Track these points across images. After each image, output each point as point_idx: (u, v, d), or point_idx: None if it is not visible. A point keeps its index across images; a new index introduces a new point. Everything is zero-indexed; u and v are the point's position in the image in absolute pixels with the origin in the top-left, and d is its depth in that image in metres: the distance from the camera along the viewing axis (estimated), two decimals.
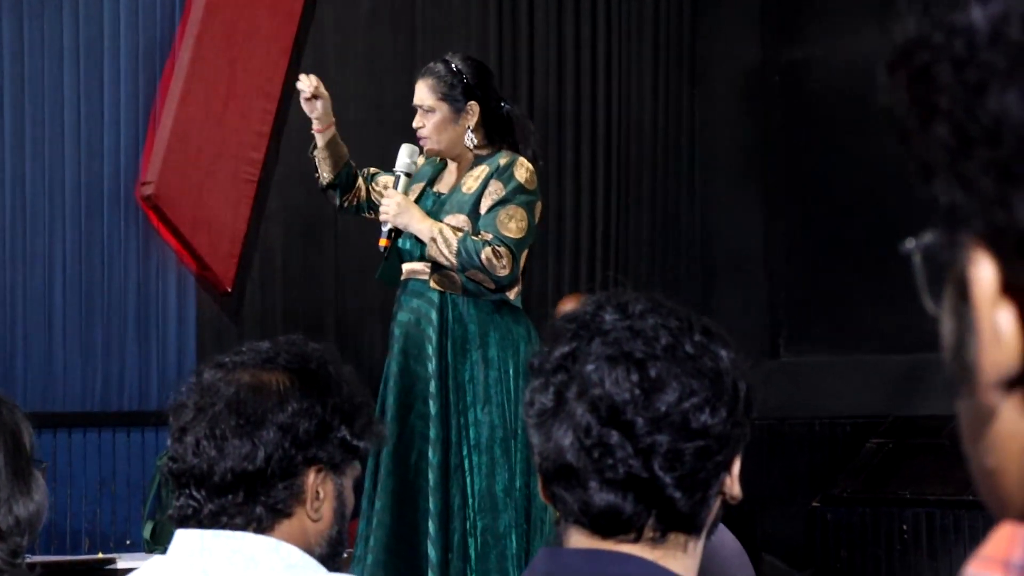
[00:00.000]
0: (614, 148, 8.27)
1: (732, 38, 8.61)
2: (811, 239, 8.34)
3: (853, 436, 7.72)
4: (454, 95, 5.22)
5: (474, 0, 7.85)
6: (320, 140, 5.38)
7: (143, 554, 6.40)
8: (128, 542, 6.67)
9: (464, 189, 5.22)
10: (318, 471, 2.24)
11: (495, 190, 5.15)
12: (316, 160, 5.43)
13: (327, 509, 2.26)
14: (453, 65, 5.27)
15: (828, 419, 7.95)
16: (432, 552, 5.03)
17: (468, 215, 5.17)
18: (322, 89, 5.33)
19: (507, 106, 5.36)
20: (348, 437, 2.25)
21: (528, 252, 5.31)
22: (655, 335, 1.80)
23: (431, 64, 5.38)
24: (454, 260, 5.10)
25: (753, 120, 8.59)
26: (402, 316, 5.24)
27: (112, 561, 5.95)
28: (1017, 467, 0.79)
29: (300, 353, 2.27)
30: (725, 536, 2.99)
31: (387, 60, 7.52)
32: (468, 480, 5.09)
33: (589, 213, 8.17)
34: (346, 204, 5.49)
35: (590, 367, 1.78)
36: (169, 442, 2.28)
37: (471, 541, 5.06)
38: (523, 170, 5.18)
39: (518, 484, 5.12)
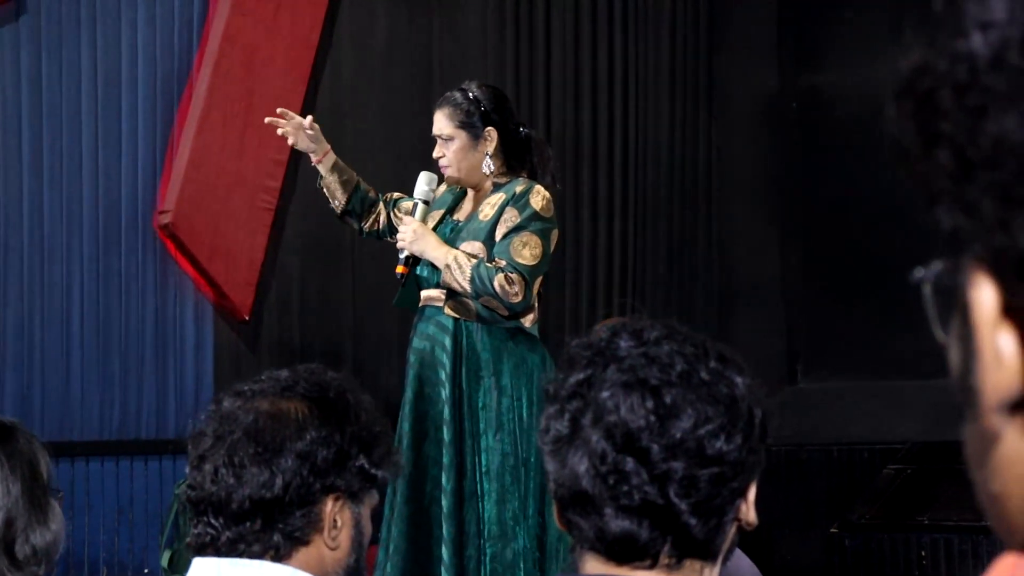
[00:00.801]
0: (631, 175, 8.28)
1: (749, 64, 8.61)
2: (828, 265, 8.33)
3: (871, 462, 7.70)
4: (472, 122, 5.25)
5: (490, 30, 7.87)
6: (322, 170, 5.43)
7: None
8: (146, 571, 6.67)
9: (481, 216, 5.24)
10: (336, 499, 2.24)
11: (510, 217, 5.17)
12: (325, 190, 5.47)
13: (345, 537, 2.25)
14: (470, 93, 5.31)
15: (846, 445, 7.93)
16: None
17: (484, 242, 5.19)
18: (298, 120, 5.38)
19: (525, 131, 5.38)
20: (366, 466, 2.25)
21: (544, 279, 5.31)
22: (670, 362, 1.80)
23: (448, 93, 5.41)
24: (468, 287, 5.12)
25: (770, 147, 8.59)
26: (417, 343, 5.27)
27: None
28: (1020, 491, 0.79)
29: (319, 382, 2.27)
30: (742, 562, 2.99)
31: (404, 89, 7.54)
32: (481, 507, 5.09)
33: (606, 239, 8.17)
34: (367, 229, 5.52)
35: (605, 394, 1.78)
36: (188, 470, 2.28)
37: (486, 567, 5.06)
38: (539, 198, 5.20)
39: (531, 512, 5.12)
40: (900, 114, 0.80)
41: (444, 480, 5.08)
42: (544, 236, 5.20)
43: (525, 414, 5.15)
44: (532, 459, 5.11)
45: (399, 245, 5.22)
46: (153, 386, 6.81)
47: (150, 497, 6.74)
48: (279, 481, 2.20)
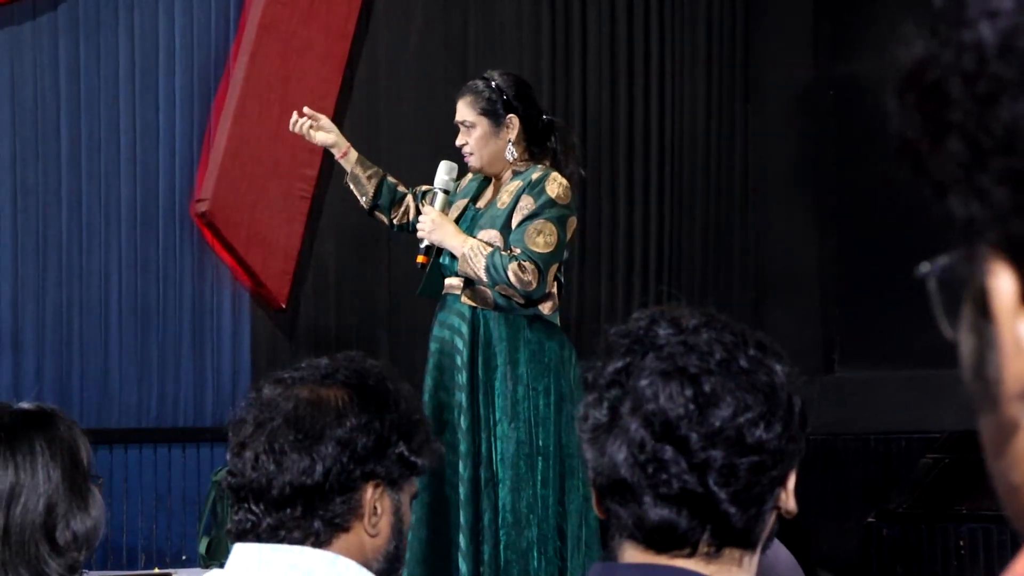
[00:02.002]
0: (667, 163, 8.27)
1: (784, 54, 8.59)
2: (864, 254, 8.30)
3: (908, 451, 7.68)
4: (494, 109, 5.28)
5: (526, 18, 7.86)
6: (346, 166, 5.47)
7: (199, 569, 6.43)
8: (184, 557, 6.70)
9: (499, 204, 5.26)
10: (376, 486, 2.25)
11: (526, 205, 5.19)
12: (352, 186, 5.50)
13: (385, 524, 2.26)
14: (492, 81, 5.34)
15: (883, 434, 7.91)
16: (463, 566, 5.06)
17: (500, 230, 5.21)
18: (317, 117, 5.42)
19: (548, 118, 5.40)
20: (406, 453, 2.26)
21: (563, 266, 5.32)
22: (709, 350, 1.79)
23: (469, 82, 5.45)
24: (483, 275, 5.14)
25: (806, 135, 8.57)
26: (437, 331, 5.31)
27: None
28: None
29: (359, 369, 2.28)
30: (780, 551, 2.98)
31: (439, 77, 7.54)
32: (497, 494, 5.11)
33: (642, 228, 8.16)
34: (397, 222, 5.55)
35: (644, 382, 1.78)
36: (228, 456, 2.29)
37: (502, 555, 5.08)
38: (555, 184, 5.21)
39: (550, 501, 5.13)
40: (904, 106, 0.80)
41: (461, 467, 5.10)
42: (560, 223, 5.20)
43: (542, 403, 5.16)
44: (551, 448, 5.13)
45: (419, 235, 5.26)
46: (191, 374, 6.83)
47: (188, 485, 6.77)
48: (319, 468, 2.21)
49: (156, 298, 6.79)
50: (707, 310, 1.87)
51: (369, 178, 5.47)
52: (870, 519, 7.46)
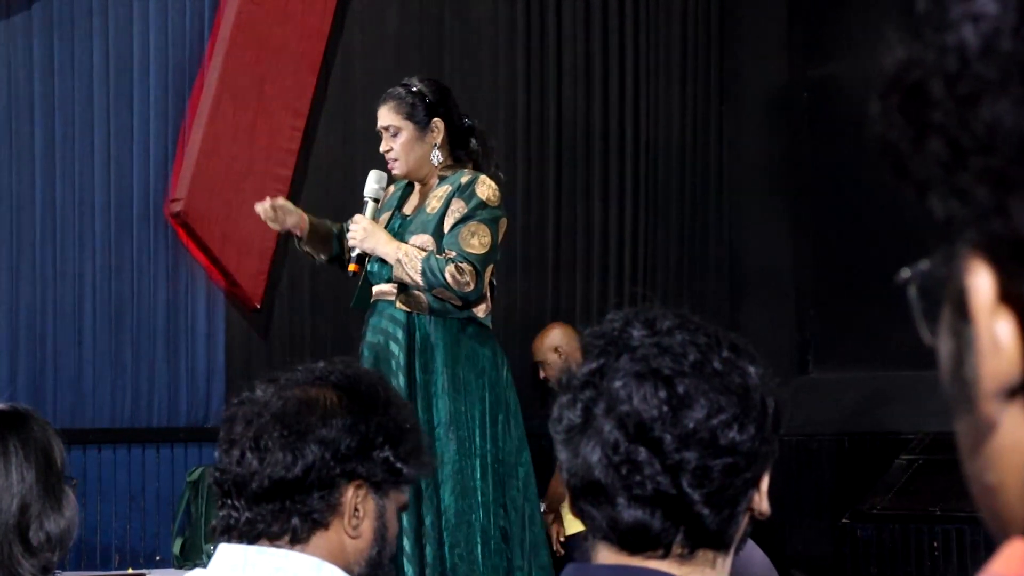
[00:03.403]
0: (642, 165, 8.28)
1: (760, 55, 8.61)
2: (839, 255, 8.32)
3: (882, 452, 7.70)
4: (418, 114, 5.28)
5: (501, 19, 7.87)
6: (303, 235, 5.41)
7: (172, 570, 6.42)
8: (157, 558, 6.69)
9: (428, 209, 5.27)
10: (358, 487, 2.24)
11: (457, 208, 5.20)
12: (306, 251, 5.47)
13: (367, 528, 2.26)
14: (413, 87, 5.35)
15: (857, 435, 7.93)
16: (409, 569, 5.08)
17: (432, 235, 5.22)
18: (280, 201, 5.38)
19: (469, 122, 5.41)
20: (392, 458, 2.26)
21: (495, 269, 5.31)
22: (683, 351, 1.80)
23: (390, 89, 5.45)
24: (419, 280, 5.15)
25: (781, 137, 8.59)
26: (371, 337, 5.30)
27: None
28: (1018, 480, 0.80)
29: (352, 374, 2.30)
30: (754, 552, 2.99)
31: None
32: (439, 497, 5.12)
33: (617, 229, 8.17)
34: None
35: (618, 383, 1.78)
36: (216, 454, 2.29)
37: (447, 558, 5.10)
38: (485, 187, 5.23)
39: (491, 503, 5.15)
40: (887, 108, 0.81)
41: None
42: (492, 225, 5.22)
43: (478, 407, 5.18)
44: (488, 450, 5.15)
45: (350, 243, 5.26)
46: (165, 374, 6.82)
47: (162, 485, 6.76)
48: (300, 463, 2.21)
49: (130, 298, 6.78)
50: (681, 312, 1.87)
51: (324, 239, 5.47)
52: (844, 520, 7.48)
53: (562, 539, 6.94)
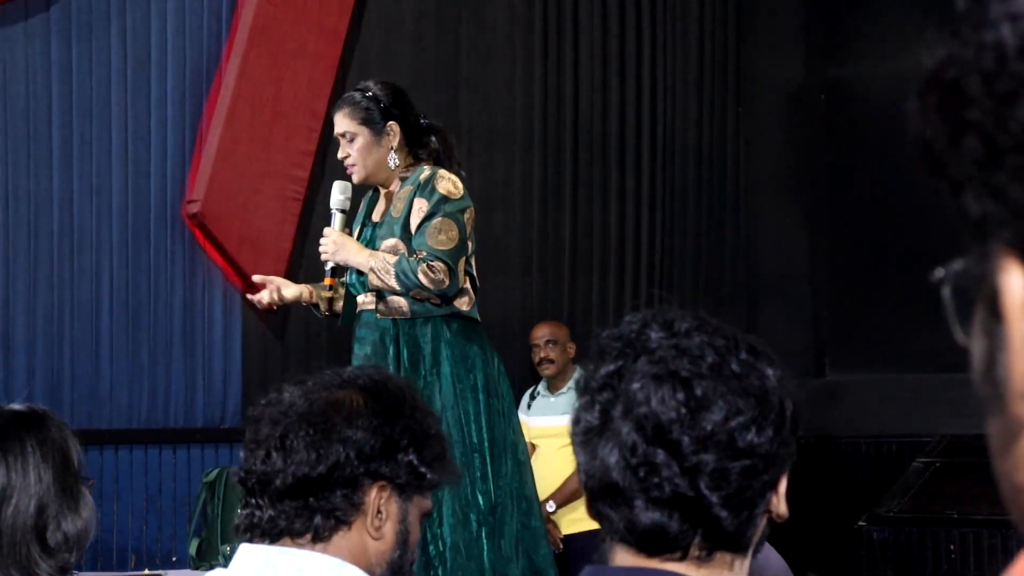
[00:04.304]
0: (659, 165, 8.28)
1: (776, 57, 8.60)
2: (856, 257, 8.32)
3: (899, 455, 7.69)
4: (373, 118, 5.28)
5: (518, 21, 7.87)
6: (322, 305, 5.42)
7: (189, 571, 6.43)
8: (174, 559, 6.70)
9: (393, 213, 5.28)
10: (381, 488, 2.25)
11: (420, 206, 5.21)
12: (320, 308, 5.46)
13: (389, 530, 2.26)
14: (367, 91, 5.35)
15: (874, 438, 7.92)
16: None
17: (400, 237, 5.23)
18: (271, 280, 5.41)
19: (427, 122, 5.41)
20: (416, 462, 2.27)
21: (471, 259, 5.31)
22: (701, 353, 1.79)
23: (345, 95, 5.47)
24: (395, 284, 5.17)
25: (797, 138, 8.58)
26: (358, 349, 5.31)
27: None
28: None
29: (380, 379, 2.31)
30: (771, 555, 2.99)
31: (431, 80, 7.55)
32: (437, 495, 5.14)
33: (633, 230, 8.17)
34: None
35: (636, 385, 1.78)
36: (242, 454, 2.30)
37: (447, 555, 5.12)
38: (444, 181, 5.23)
39: (491, 495, 5.16)
40: (924, 107, 0.81)
41: None
42: (457, 217, 5.22)
43: (471, 400, 5.19)
44: (485, 444, 5.16)
45: (323, 257, 5.28)
46: (181, 375, 6.83)
47: (178, 486, 6.77)
48: (325, 462, 2.22)
49: (147, 300, 6.80)
50: (699, 313, 1.87)
51: (332, 300, 5.50)
52: (861, 523, 7.47)
53: (559, 540, 6.95)
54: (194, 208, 6.85)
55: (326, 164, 7.23)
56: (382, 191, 5.39)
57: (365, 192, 5.47)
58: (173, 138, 6.91)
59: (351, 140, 5.29)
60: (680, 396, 1.77)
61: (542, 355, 7.20)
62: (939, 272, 0.83)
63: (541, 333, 7.25)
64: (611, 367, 1.81)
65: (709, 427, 1.76)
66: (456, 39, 7.70)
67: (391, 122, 5.27)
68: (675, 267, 8.28)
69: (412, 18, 7.58)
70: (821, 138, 8.52)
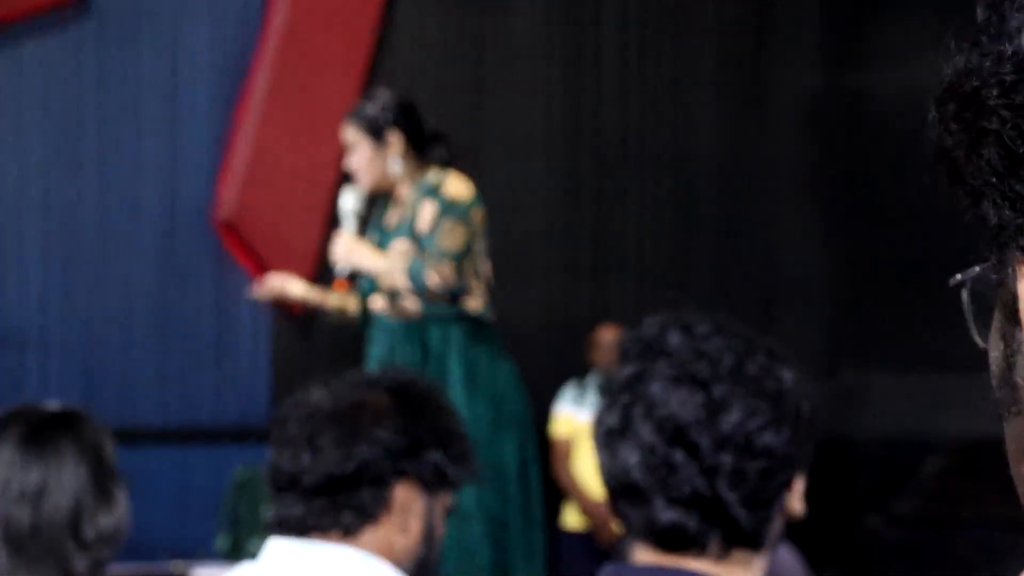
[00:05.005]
0: (677, 172, 8.30)
1: (794, 64, 8.61)
2: (871, 261, 8.33)
3: (913, 456, 7.72)
4: (374, 127, 5.36)
5: (539, 29, 7.91)
6: (336, 309, 5.48)
7: (220, 566, 6.49)
8: (204, 554, 6.77)
9: (404, 216, 5.36)
10: (408, 486, 2.32)
11: (429, 210, 5.29)
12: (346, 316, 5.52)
13: (415, 526, 2.33)
14: (371, 100, 5.47)
15: (888, 440, 7.94)
16: None
17: (409, 238, 5.30)
18: (283, 279, 5.53)
19: (431, 128, 5.48)
20: (441, 461, 2.33)
21: (482, 260, 5.36)
22: (719, 356, 1.85)
23: (353, 106, 5.58)
24: (407, 283, 5.24)
25: (815, 144, 8.59)
26: (371, 351, 5.35)
27: (188, 573, 6.06)
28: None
29: (405, 380, 2.38)
30: (785, 554, 3.04)
31: (456, 86, 7.60)
32: None
33: (652, 235, 8.20)
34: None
35: (656, 387, 1.84)
36: (270, 453, 2.37)
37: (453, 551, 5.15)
38: (452, 185, 5.32)
39: (485, 497, 5.18)
40: (943, 115, 0.82)
41: None
42: (464, 219, 5.28)
43: (478, 406, 5.22)
44: (482, 443, 5.17)
45: (335, 261, 5.38)
46: (211, 376, 6.92)
47: (208, 484, 6.83)
48: (352, 461, 2.28)
49: (178, 302, 6.89)
50: (717, 317, 1.93)
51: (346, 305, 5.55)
52: (874, 523, 7.49)
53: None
54: (224, 214, 6.93)
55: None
56: (393, 197, 5.46)
57: (380, 198, 5.53)
58: (204, 145, 6.99)
59: (355, 149, 5.40)
60: (699, 398, 1.83)
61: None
62: (958, 277, 0.84)
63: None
64: (632, 370, 1.87)
65: (727, 429, 1.82)
66: (480, 52, 7.75)
67: (391, 130, 5.36)
68: (692, 271, 8.31)
69: (436, 26, 7.63)
70: (838, 144, 8.54)
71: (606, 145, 8.04)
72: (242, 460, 6.86)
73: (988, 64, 0.79)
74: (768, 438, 1.83)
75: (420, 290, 5.22)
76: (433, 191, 5.29)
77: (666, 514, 1.84)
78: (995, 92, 0.79)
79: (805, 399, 1.88)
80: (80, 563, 2.59)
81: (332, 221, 7.23)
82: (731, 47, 8.50)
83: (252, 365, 6.98)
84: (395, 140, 5.35)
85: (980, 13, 0.81)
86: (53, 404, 2.74)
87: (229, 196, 6.92)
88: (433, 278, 5.19)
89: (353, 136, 5.39)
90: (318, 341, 7.22)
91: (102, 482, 2.65)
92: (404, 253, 5.26)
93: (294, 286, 5.59)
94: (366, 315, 5.40)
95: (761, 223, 8.58)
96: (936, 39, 0.83)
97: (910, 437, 7.81)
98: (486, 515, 5.24)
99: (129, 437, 6.53)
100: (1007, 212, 0.79)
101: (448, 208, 5.26)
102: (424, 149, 5.40)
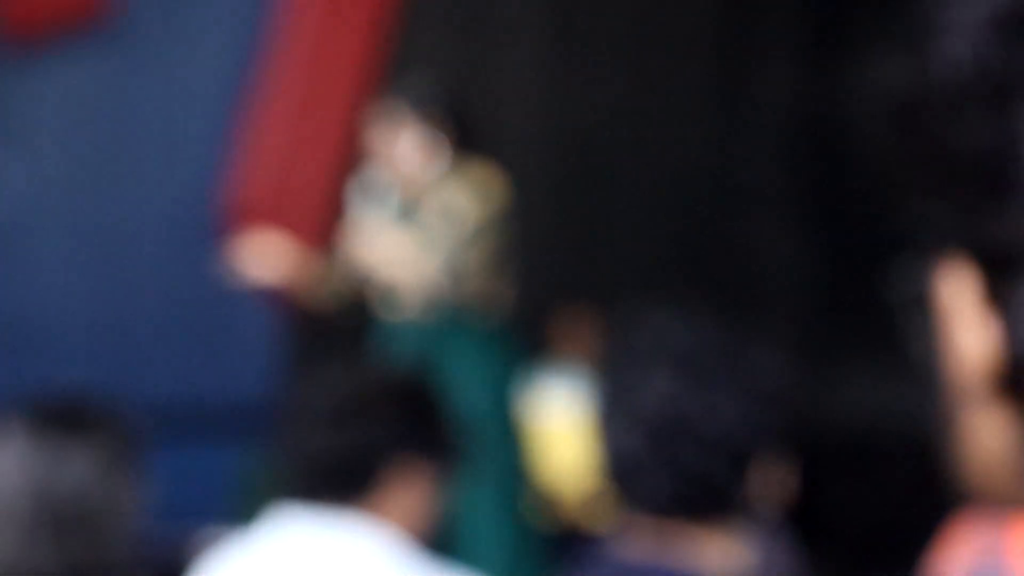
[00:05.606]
0: (651, 176, 8.34)
1: (772, 67, 8.64)
2: (849, 266, 8.37)
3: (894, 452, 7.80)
4: (434, 117, 5.25)
5: (527, 31, 8.01)
6: (342, 301, 5.47)
7: (232, 535, 6.56)
8: (219, 526, 6.89)
9: (432, 210, 5.26)
10: (411, 463, 2.49)
11: (458, 206, 5.20)
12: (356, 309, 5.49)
13: (418, 502, 2.50)
14: (416, 91, 5.38)
15: (867, 434, 8.03)
16: None
17: (435, 234, 5.23)
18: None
19: (471, 122, 5.42)
20: (439, 442, 2.52)
21: (506, 262, 5.31)
22: (708, 347, 2.06)
23: (394, 95, 5.49)
24: (429, 278, 5.19)
25: (791, 148, 8.64)
26: (380, 347, 5.31)
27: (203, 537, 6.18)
28: (979, 462, 0.85)
29: (403, 372, 2.58)
30: (779, 555, 3.18)
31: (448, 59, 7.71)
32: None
33: (629, 236, 8.26)
34: None
35: (649, 371, 2.04)
36: (284, 435, 2.55)
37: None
38: (480, 183, 5.26)
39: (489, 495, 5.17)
40: (891, 122, 0.85)
41: None
42: (501, 224, 5.28)
43: (483, 403, 5.13)
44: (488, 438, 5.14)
45: (350, 256, 5.36)
46: (226, 365, 7.07)
47: (223, 470, 6.95)
48: (361, 439, 2.46)
49: (194, 298, 7.05)
50: (702, 311, 2.13)
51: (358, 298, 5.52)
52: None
53: None
54: (233, 208, 7.02)
55: (365, 167, 7.34)
56: (423, 190, 5.31)
57: (398, 191, 5.42)
58: (217, 147, 7.13)
59: (395, 140, 5.27)
60: (692, 385, 2.02)
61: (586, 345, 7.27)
62: (894, 277, 0.90)
63: (585, 324, 7.27)
64: (627, 356, 2.06)
65: (719, 413, 2.02)
66: (468, 49, 7.86)
67: (447, 123, 5.26)
68: (673, 265, 8.32)
69: (431, 24, 7.72)
70: (813, 147, 8.58)
71: (588, 142, 8.10)
72: (256, 447, 6.98)
73: (925, 66, 0.82)
74: (753, 421, 2.03)
75: (442, 286, 5.14)
76: (464, 188, 5.17)
77: (661, 486, 2.03)
78: (935, 96, 0.81)
79: (786, 390, 2.10)
80: (105, 553, 2.68)
81: (347, 215, 7.28)
82: (709, 49, 8.51)
83: (268, 357, 7.13)
84: (438, 133, 5.21)
85: (918, 14, 0.84)
86: (74, 398, 2.85)
87: (239, 188, 7.03)
88: (472, 279, 5.13)
89: (396, 126, 5.24)
90: (332, 330, 7.30)
91: (124, 474, 2.75)
92: (427, 248, 5.15)
93: (303, 276, 5.44)
94: (373, 309, 5.32)
95: (742, 226, 8.60)
96: (916, 42, 0.84)
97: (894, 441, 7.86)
98: (492, 513, 5.20)
99: (145, 427, 6.67)
100: (944, 212, 0.82)
101: (489, 212, 5.19)
102: (464, 143, 5.27)
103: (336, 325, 6.10)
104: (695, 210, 8.36)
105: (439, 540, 4.78)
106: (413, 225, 5.27)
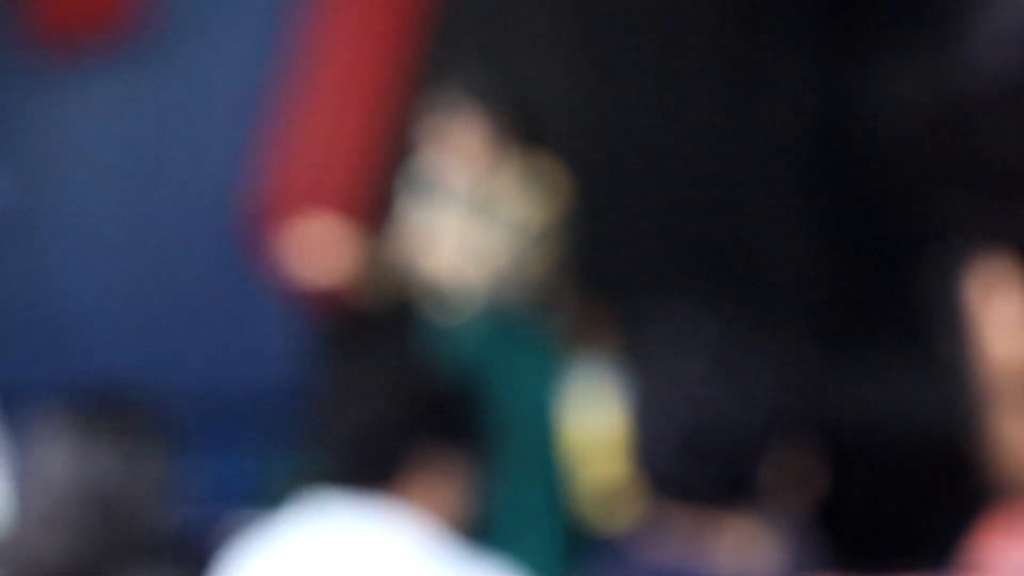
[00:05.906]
0: (669, 175, 8.36)
1: (787, 71, 8.66)
2: (866, 263, 8.39)
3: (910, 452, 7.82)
4: (507, 122, 5.19)
5: (544, 35, 8.07)
6: (381, 297, 5.44)
7: (265, 521, 6.58)
8: (249, 510, 6.95)
9: (490, 205, 5.22)
10: (443, 450, 2.55)
11: (514, 204, 5.18)
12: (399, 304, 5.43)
13: (452, 490, 2.56)
14: (484, 88, 5.32)
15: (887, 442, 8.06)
16: None
17: (494, 230, 5.20)
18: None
19: (536, 120, 5.44)
20: (470, 431, 2.58)
21: (555, 260, 5.32)
22: (738, 341, 2.13)
23: (460, 91, 5.37)
24: (489, 272, 5.16)
25: (807, 149, 8.66)
26: (419, 343, 5.29)
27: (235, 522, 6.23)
28: (1010, 478, 0.85)
29: (430, 367, 2.65)
30: (775, 558, 3.25)
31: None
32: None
33: (645, 224, 8.29)
34: None
35: (683, 367, 2.10)
36: (314, 417, 2.62)
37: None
38: (538, 183, 5.22)
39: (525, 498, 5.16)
40: (920, 124, 0.86)
41: None
42: (548, 221, 5.27)
43: (520, 406, 5.03)
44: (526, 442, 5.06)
45: (395, 254, 5.42)
46: (258, 354, 7.17)
47: (249, 460, 7.01)
48: (394, 421, 2.53)
49: (227, 292, 7.15)
50: (721, 305, 2.21)
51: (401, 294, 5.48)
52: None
53: None
54: (260, 205, 7.09)
55: (397, 168, 7.38)
56: (486, 184, 5.20)
57: (464, 186, 5.31)
58: (245, 150, 7.21)
59: (462, 135, 5.15)
60: (717, 378, 2.09)
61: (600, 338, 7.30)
62: (924, 274, 1.00)
63: (599, 318, 7.29)
64: (653, 350, 2.13)
65: (739, 405, 2.08)
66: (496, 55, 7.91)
67: (502, 121, 5.17)
68: (696, 264, 8.34)
69: (459, 29, 7.76)
70: (831, 143, 8.59)
71: (601, 142, 8.14)
72: (281, 437, 7.03)
73: (958, 78, 0.82)
74: (769, 418, 2.12)
75: (499, 284, 5.08)
76: (523, 185, 5.11)
77: (685, 474, 2.09)
78: (965, 102, 0.82)
79: (802, 389, 2.18)
80: (143, 541, 2.72)
81: (377, 214, 7.31)
82: (723, 43, 8.52)
83: (297, 352, 7.21)
84: (501, 131, 5.10)
85: (953, 22, 0.84)
86: (113, 396, 2.90)
87: (265, 186, 7.10)
88: (513, 272, 5.05)
89: (471, 114, 5.09)
90: (360, 322, 7.36)
91: (161, 466, 2.80)
92: (485, 244, 5.09)
93: (348, 273, 5.35)
94: (416, 307, 5.26)
95: (755, 223, 8.61)
96: (935, 40, 0.92)
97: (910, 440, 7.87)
98: (537, 513, 5.17)
99: (172, 420, 6.74)
100: (968, 210, 0.83)
101: (556, 210, 5.18)
102: (525, 139, 5.17)
103: (375, 322, 6.10)
104: (712, 209, 8.38)
105: (480, 536, 4.78)
106: (482, 221, 5.17)
